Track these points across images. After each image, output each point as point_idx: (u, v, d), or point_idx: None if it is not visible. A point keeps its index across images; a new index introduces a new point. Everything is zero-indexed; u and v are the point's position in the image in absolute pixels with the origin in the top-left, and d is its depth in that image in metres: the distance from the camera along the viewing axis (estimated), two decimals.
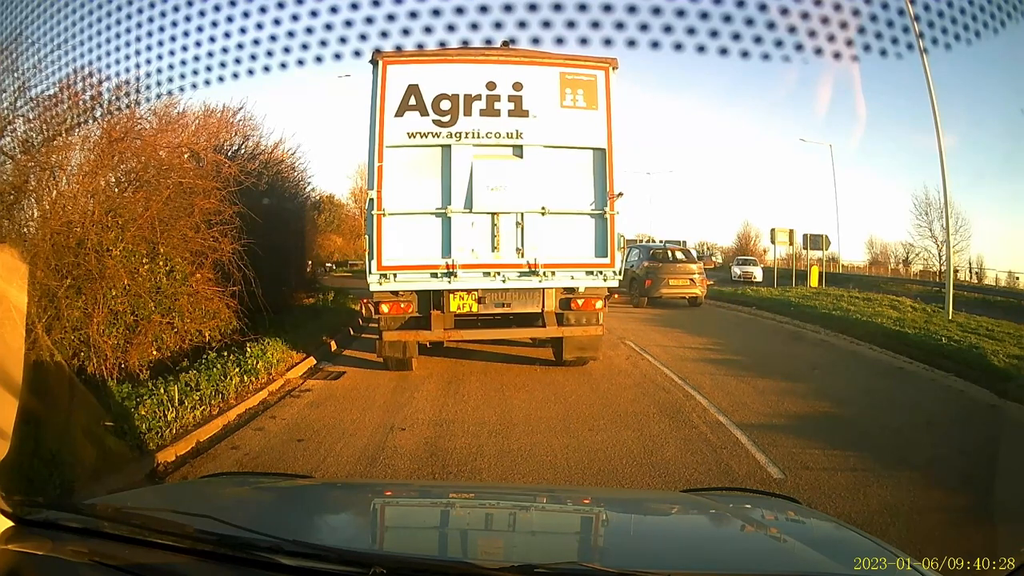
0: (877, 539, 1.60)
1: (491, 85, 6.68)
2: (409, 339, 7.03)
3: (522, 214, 6.78)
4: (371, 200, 6.58)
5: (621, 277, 7.23)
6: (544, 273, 6.81)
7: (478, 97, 6.65)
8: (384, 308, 6.84)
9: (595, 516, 1.98)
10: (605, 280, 7.00)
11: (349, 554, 1.28)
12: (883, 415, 6.07)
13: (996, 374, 7.19)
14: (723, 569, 1.47)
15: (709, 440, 5.11)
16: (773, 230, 22.78)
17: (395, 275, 6.66)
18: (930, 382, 7.62)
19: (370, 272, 6.63)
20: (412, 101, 6.58)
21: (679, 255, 16.36)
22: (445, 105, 6.61)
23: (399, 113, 6.57)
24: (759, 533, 1.78)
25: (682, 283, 15.16)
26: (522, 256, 6.79)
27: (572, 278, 6.97)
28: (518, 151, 6.79)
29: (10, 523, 1.38)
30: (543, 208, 6.79)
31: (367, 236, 6.73)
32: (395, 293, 6.81)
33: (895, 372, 8.20)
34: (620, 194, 6.91)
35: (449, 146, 6.67)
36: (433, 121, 6.61)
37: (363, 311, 7.20)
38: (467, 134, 6.64)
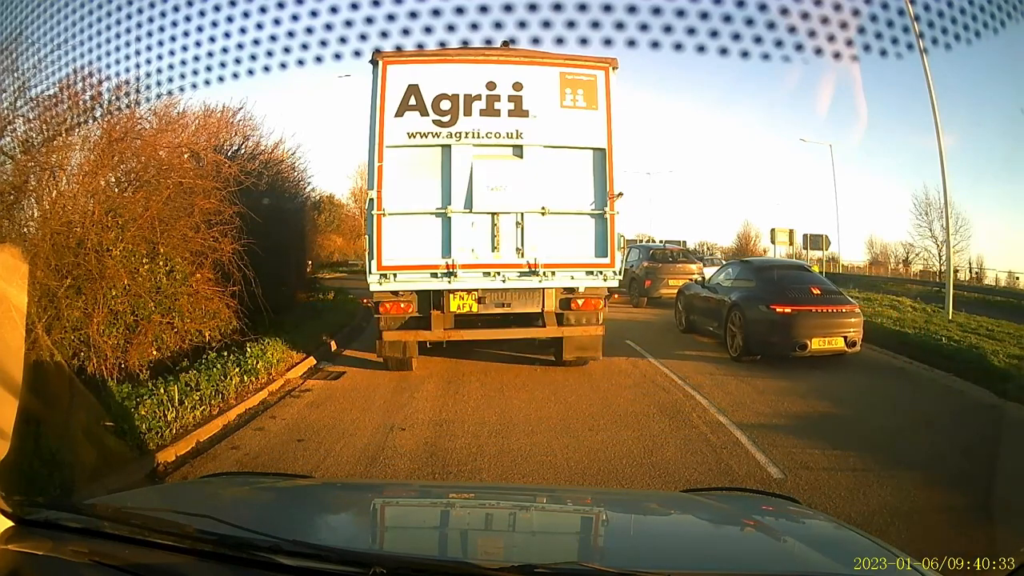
0: (877, 539, 1.60)
1: (491, 85, 6.67)
2: (409, 339, 7.03)
3: (522, 214, 6.78)
4: (371, 200, 6.58)
5: (621, 277, 7.21)
6: (544, 273, 6.81)
7: (478, 97, 6.65)
8: (385, 308, 6.85)
9: (595, 516, 1.98)
10: (605, 280, 7.00)
11: (349, 554, 1.28)
12: (883, 415, 6.08)
13: (996, 374, 7.18)
14: (723, 569, 1.47)
15: (709, 440, 5.11)
16: (773, 230, 22.84)
17: (395, 275, 6.66)
18: (930, 382, 7.62)
19: (370, 272, 6.64)
20: (412, 101, 6.58)
21: (678, 255, 16.54)
22: (445, 105, 6.61)
23: (399, 113, 6.57)
24: (759, 533, 1.77)
25: (682, 283, 15.21)
26: (522, 256, 6.79)
27: (572, 278, 6.96)
28: (518, 151, 6.79)
29: (10, 523, 1.38)
30: (543, 208, 6.79)
31: (367, 236, 6.74)
32: (395, 293, 6.81)
33: (895, 372, 8.20)
34: (620, 194, 6.91)
35: (449, 146, 6.66)
36: (433, 121, 6.61)
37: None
38: (467, 134, 6.64)
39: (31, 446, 3.42)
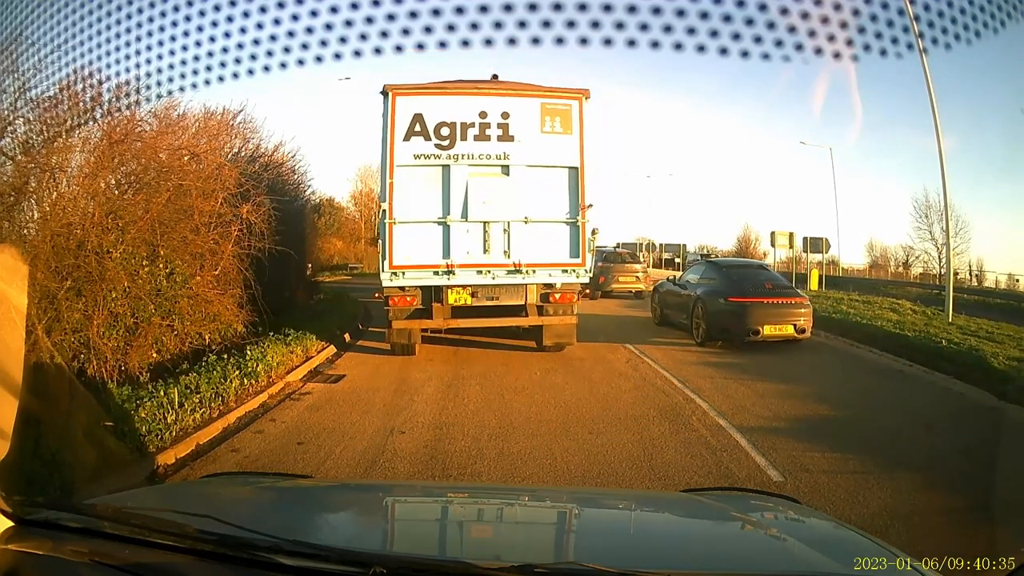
0: (877, 539, 1.60)
1: (483, 114, 7.86)
2: (414, 327, 8.16)
3: (508, 222, 7.94)
4: (383, 211, 7.75)
5: (592, 275, 8.35)
6: (527, 271, 8.00)
7: (472, 125, 7.85)
8: (393, 301, 7.90)
9: (595, 516, 1.98)
10: (578, 277, 8.20)
11: (349, 554, 1.28)
12: (883, 417, 6.07)
13: (996, 376, 7.18)
14: (723, 569, 1.47)
15: (709, 443, 5.10)
16: (773, 233, 22.78)
17: (403, 273, 7.80)
18: (930, 384, 7.61)
19: (382, 271, 7.79)
20: (417, 128, 7.75)
21: (626, 257, 19.65)
22: (445, 131, 7.81)
23: (407, 138, 7.73)
24: (759, 533, 1.77)
25: (628, 280, 18.09)
26: (508, 257, 7.96)
27: (550, 275, 8.14)
28: (505, 170, 7.97)
29: (10, 523, 1.38)
30: (526, 217, 7.97)
31: (380, 241, 7.89)
32: (402, 288, 7.89)
33: (895, 374, 8.20)
34: (590, 205, 8.10)
35: (448, 166, 7.83)
36: (435, 145, 7.79)
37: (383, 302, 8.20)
38: (463, 156, 7.83)
39: (31, 446, 3.41)
